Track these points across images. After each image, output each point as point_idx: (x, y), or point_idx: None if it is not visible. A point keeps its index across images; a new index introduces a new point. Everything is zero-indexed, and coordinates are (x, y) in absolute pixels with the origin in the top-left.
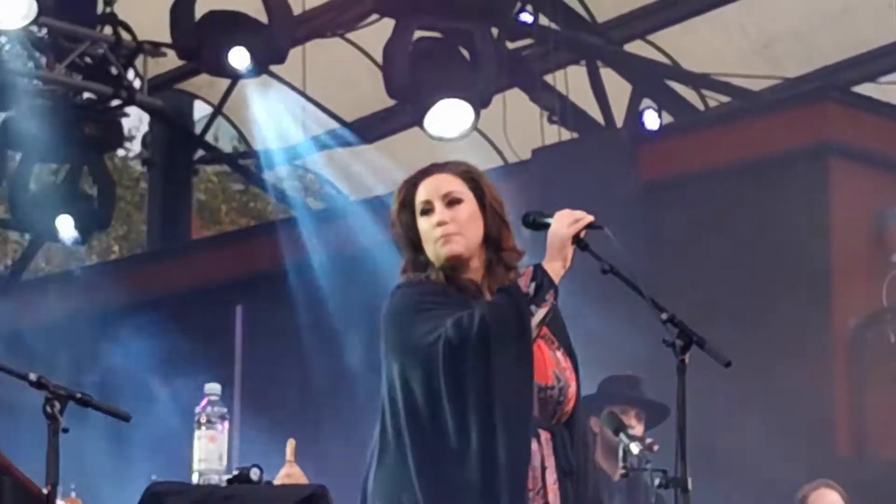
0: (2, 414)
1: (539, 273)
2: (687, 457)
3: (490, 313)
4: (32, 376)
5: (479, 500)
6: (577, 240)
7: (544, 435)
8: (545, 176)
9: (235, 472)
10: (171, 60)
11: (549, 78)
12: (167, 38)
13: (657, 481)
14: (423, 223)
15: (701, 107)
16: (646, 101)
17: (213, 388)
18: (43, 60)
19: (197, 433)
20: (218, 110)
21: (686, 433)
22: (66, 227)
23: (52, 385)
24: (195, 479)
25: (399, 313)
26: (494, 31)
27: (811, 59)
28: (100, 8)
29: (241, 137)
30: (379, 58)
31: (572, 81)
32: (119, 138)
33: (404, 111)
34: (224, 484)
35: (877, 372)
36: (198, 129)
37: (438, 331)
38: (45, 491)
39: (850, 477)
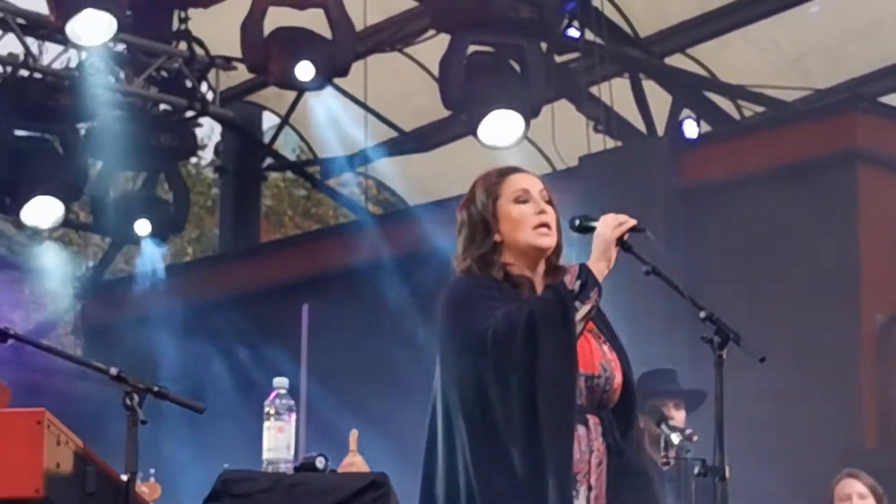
0: (90, 408)
1: (584, 272)
2: (725, 447)
3: (537, 307)
4: (113, 371)
5: (525, 480)
6: (620, 242)
7: (592, 420)
8: (591, 182)
9: (302, 461)
10: (241, 74)
11: (594, 89)
12: (238, 53)
13: (696, 469)
14: (520, 209)
15: (737, 116)
16: (685, 112)
17: (281, 381)
18: (122, 75)
19: (266, 424)
20: (285, 120)
21: (724, 425)
22: (143, 230)
23: (132, 379)
24: (264, 467)
25: (455, 302)
26: (543, 45)
27: (840, 72)
28: (175, 25)
29: (307, 146)
30: (435, 71)
31: (616, 93)
32: (193, 147)
33: (459, 121)
34: (291, 472)
35: None
36: (266, 139)
37: (490, 321)
38: (124, 478)
39: (877, 466)
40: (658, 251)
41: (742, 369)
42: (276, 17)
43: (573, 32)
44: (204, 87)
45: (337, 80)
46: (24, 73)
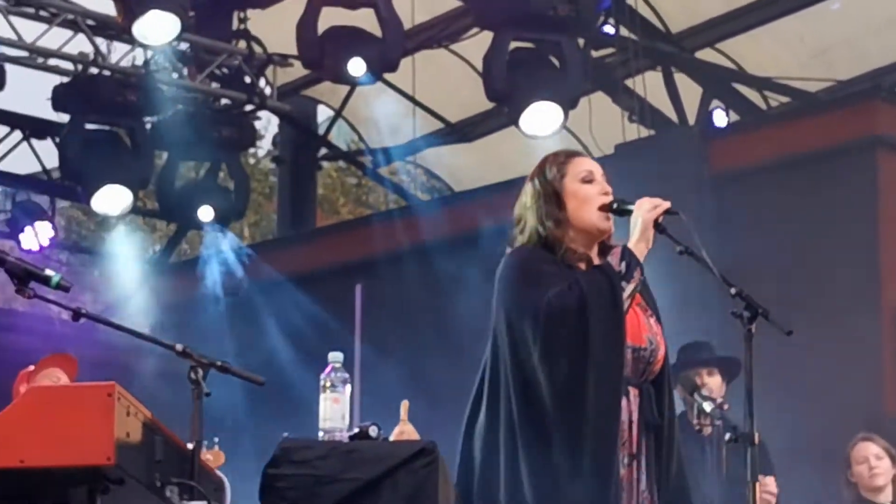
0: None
1: (627, 253)
2: (755, 414)
3: (588, 285)
4: (179, 347)
5: (566, 444)
6: (655, 224)
7: (633, 392)
8: (626, 168)
9: (356, 430)
10: (297, 70)
11: (629, 82)
12: (294, 51)
13: (727, 436)
14: (586, 188)
15: (763, 106)
16: (715, 102)
17: (337, 356)
18: (185, 72)
19: (322, 396)
20: (338, 113)
21: (753, 394)
22: (206, 216)
23: (196, 354)
24: (321, 436)
25: (513, 273)
26: (581, 41)
27: (861, 64)
28: (235, 24)
29: (359, 137)
30: (479, 66)
31: (649, 85)
32: (252, 139)
33: (501, 113)
34: (346, 440)
35: None
36: (321, 131)
37: (544, 295)
38: (189, 446)
39: None
40: (689, 232)
41: (770, 342)
42: (330, 17)
43: (608, 29)
44: (262, 82)
45: (387, 75)
46: (94, 70)
